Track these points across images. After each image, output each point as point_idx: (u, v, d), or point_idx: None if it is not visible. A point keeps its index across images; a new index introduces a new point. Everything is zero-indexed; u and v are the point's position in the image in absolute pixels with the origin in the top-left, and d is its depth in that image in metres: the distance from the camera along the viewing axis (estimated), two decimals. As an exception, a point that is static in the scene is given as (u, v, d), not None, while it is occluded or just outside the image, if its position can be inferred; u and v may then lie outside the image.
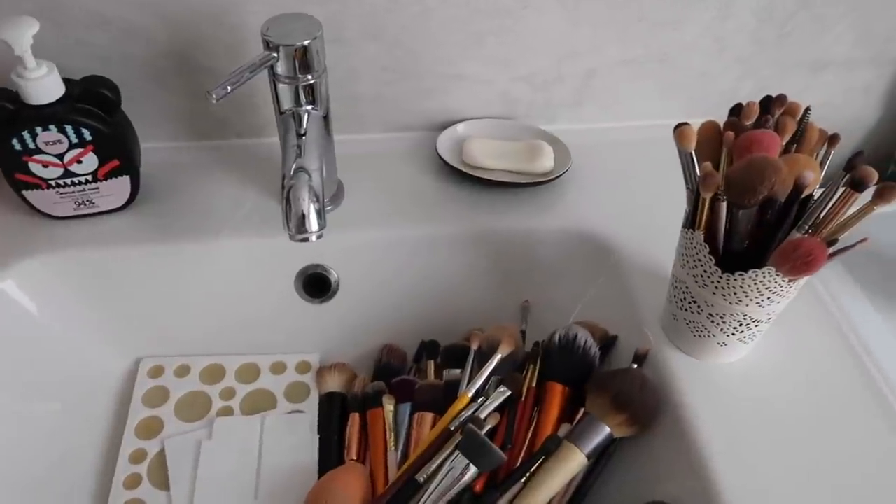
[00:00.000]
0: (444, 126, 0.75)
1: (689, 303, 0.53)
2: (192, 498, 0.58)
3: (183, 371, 0.67)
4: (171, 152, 0.73)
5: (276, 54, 0.56)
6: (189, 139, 0.74)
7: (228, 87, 0.53)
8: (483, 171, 0.71)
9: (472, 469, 0.53)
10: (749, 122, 0.49)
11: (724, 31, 0.72)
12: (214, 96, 0.52)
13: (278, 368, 0.68)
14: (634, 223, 0.67)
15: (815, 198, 0.49)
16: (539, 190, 0.71)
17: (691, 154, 0.49)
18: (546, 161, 0.71)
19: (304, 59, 0.57)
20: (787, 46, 0.74)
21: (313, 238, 0.54)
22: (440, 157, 0.71)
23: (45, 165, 0.61)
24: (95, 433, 0.63)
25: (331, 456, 0.62)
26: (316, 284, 0.69)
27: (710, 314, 0.52)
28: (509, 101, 0.76)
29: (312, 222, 0.54)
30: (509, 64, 0.72)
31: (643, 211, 0.68)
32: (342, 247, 0.68)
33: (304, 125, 0.59)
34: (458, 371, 0.63)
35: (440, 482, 0.53)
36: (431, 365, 0.67)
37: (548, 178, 0.70)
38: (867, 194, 0.46)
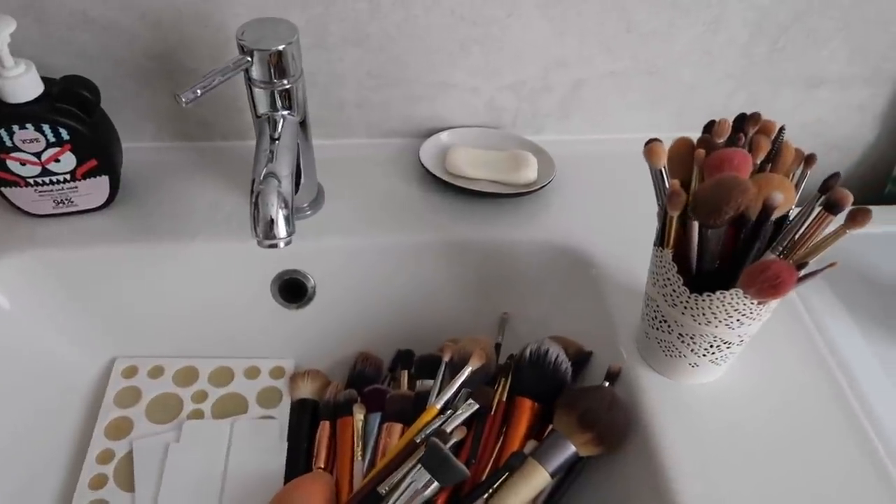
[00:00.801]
0: (430, 134, 0.75)
1: (661, 322, 0.52)
2: (156, 500, 0.58)
3: (157, 372, 0.67)
4: (154, 153, 0.73)
5: (249, 59, 0.56)
6: (172, 140, 0.74)
7: (198, 91, 0.52)
8: (465, 180, 0.70)
9: (434, 483, 0.52)
10: (721, 140, 0.48)
11: (715, 45, 0.71)
12: (183, 100, 0.52)
13: (252, 373, 0.68)
14: (616, 238, 0.66)
15: (791, 219, 0.48)
16: (521, 201, 0.70)
17: (661, 171, 0.48)
18: (529, 172, 0.70)
19: (278, 64, 0.57)
20: (780, 62, 0.73)
21: (281, 244, 0.54)
22: (423, 164, 0.71)
23: (23, 163, 0.62)
24: (65, 432, 0.63)
25: (298, 463, 0.61)
26: (292, 290, 0.69)
27: (680, 334, 0.51)
28: (495, 110, 0.75)
29: (280, 228, 0.53)
30: (495, 73, 0.71)
31: (626, 226, 0.66)
32: (320, 252, 0.67)
33: (279, 130, 0.58)
34: (430, 382, 0.62)
35: (401, 495, 0.52)
36: (405, 375, 0.66)
37: (530, 190, 0.69)
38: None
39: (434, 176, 0.70)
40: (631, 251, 0.63)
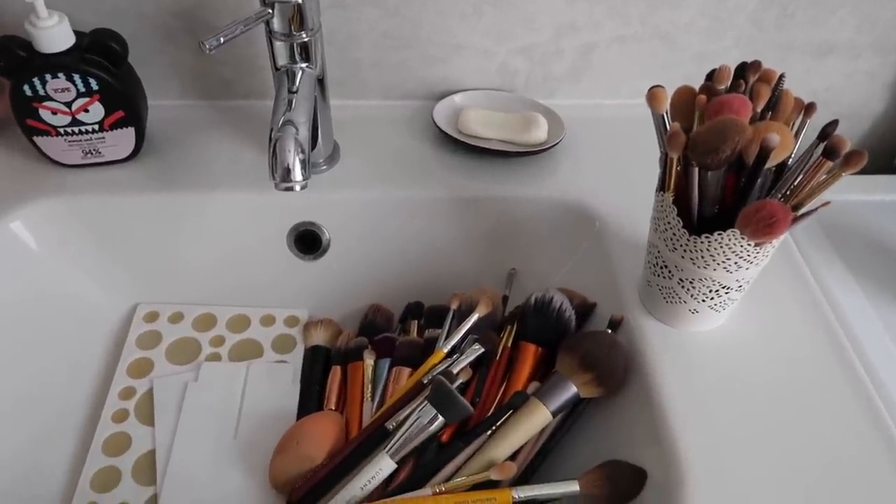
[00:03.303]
0: (443, 96, 0.77)
1: (661, 268, 0.54)
2: (174, 434, 0.60)
3: (177, 318, 0.70)
4: (179, 110, 0.76)
5: (270, 10, 0.58)
6: (196, 98, 0.77)
7: (221, 39, 0.55)
8: (477, 139, 0.72)
9: (440, 419, 0.54)
10: (722, 87, 0.49)
11: (724, 11, 0.72)
12: (207, 46, 0.54)
13: (268, 321, 0.70)
14: (621, 195, 0.68)
15: (790, 165, 0.50)
16: (531, 160, 0.72)
17: (663, 116, 0.50)
18: (539, 132, 0.72)
19: (298, 17, 0.59)
20: (789, 29, 0.74)
21: (297, 188, 0.56)
22: (436, 124, 0.73)
23: (54, 113, 0.64)
24: (89, 370, 0.66)
25: (310, 404, 0.64)
26: (308, 242, 0.71)
27: (680, 279, 0.53)
28: (508, 74, 0.77)
29: (297, 173, 0.56)
30: (507, 36, 0.73)
31: (631, 184, 0.68)
32: (335, 206, 0.70)
33: (297, 82, 0.61)
34: (439, 330, 0.65)
35: (407, 430, 0.54)
36: (415, 325, 0.68)
37: (540, 149, 0.71)
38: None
39: (446, 135, 0.72)
40: (635, 209, 0.65)
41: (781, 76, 0.50)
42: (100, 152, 0.68)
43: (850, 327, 0.61)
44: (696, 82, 0.78)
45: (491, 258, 0.72)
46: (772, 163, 0.47)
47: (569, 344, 0.56)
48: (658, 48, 0.75)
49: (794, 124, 0.51)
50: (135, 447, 0.60)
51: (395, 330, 0.71)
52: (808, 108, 0.50)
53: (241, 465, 0.59)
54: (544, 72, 0.77)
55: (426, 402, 0.55)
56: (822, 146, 0.47)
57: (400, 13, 0.71)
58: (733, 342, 0.56)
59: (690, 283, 0.52)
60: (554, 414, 0.54)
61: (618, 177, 0.70)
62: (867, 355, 0.59)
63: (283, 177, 0.56)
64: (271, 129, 0.57)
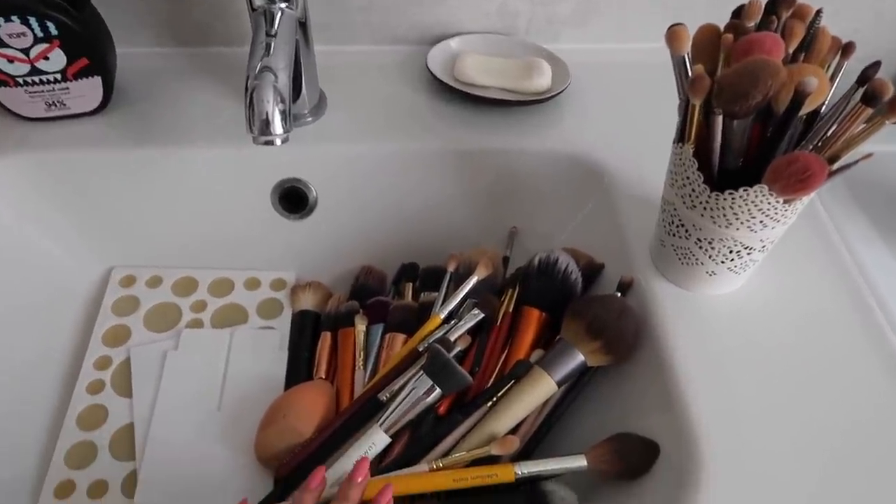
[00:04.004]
0: (438, 40, 0.71)
1: (677, 227, 0.49)
2: (153, 406, 0.57)
3: (155, 282, 0.65)
4: (151, 58, 0.70)
5: (244, -59, 0.52)
6: (170, 45, 0.71)
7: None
8: (475, 88, 0.67)
9: (437, 390, 0.50)
10: (751, 24, 0.44)
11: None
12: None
13: (252, 284, 0.66)
14: (631, 148, 0.63)
15: (823, 113, 0.45)
16: (533, 110, 0.67)
17: (684, 58, 0.44)
18: (542, 79, 0.67)
19: (276, -51, 0.53)
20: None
21: (277, 142, 0.52)
22: (430, 71, 0.67)
23: (11, 61, 0.59)
24: (61, 339, 0.62)
25: (299, 373, 0.60)
26: (294, 200, 0.66)
27: (698, 239, 0.48)
28: (508, 16, 0.71)
29: (277, 125, 0.51)
30: (508, -28, 0.67)
31: (641, 136, 0.63)
32: (321, 160, 0.65)
33: (276, 24, 0.55)
34: (435, 294, 0.60)
35: (402, 402, 0.51)
36: (409, 287, 0.64)
37: (543, 98, 0.66)
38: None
39: (442, 83, 0.66)
40: (647, 162, 0.60)
41: (818, 12, 0.45)
42: (65, 104, 0.63)
43: (876, 287, 0.57)
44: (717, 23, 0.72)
45: (490, 216, 0.67)
46: (805, 110, 0.42)
47: (575, 308, 0.52)
48: (671, -13, 0.69)
49: (829, 66, 0.46)
50: (112, 421, 0.56)
51: (388, 293, 0.66)
52: (847, 49, 0.45)
53: (226, 438, 0.55)
54: (547, 13, 0.71)
55: (422, 371, 0.51)
56: (861, 91, 0.42)
57: (390, -52, 0.65)
58: (752, 305, 0.52)
59: (709, 243, 0.48)
60: (559, 384, 0.50)
61: (627, 128, 0.65)
62: (894, 316, 0.55)
63: (262, 129, 0.51)
64: (247, 77, 0.52)
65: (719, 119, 0.43)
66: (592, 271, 0.59)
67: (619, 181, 0.61)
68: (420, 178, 0.66)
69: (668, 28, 0.44)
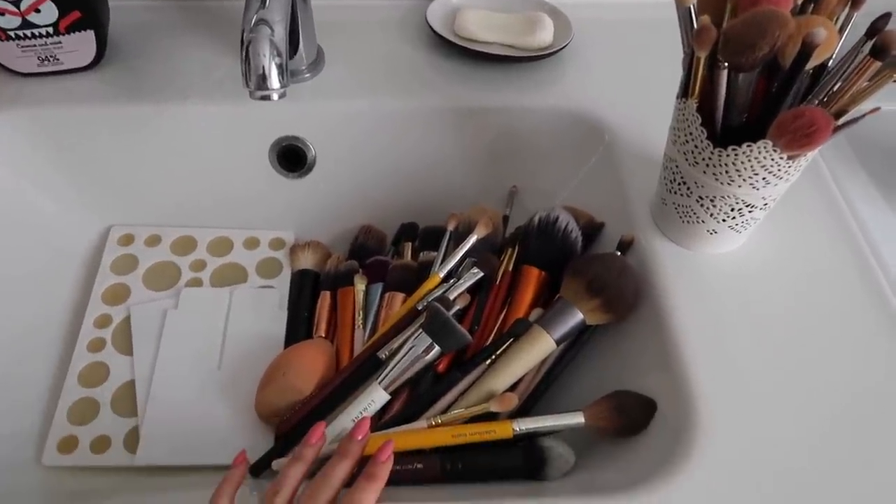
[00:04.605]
0: (438, -6, 0.69)
1: (679, 184, 0.49)
2: (153, 364, 0.57)
3: (153, 241, 0.65)
4: (145, 12, 0.69)
5: None
6: (163, -2, 0.70)
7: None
8: (476, 43, 0.66)
9: (436, 348, 0.50)
10: (760, -27, 0.42)
11: None
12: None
13: (251, 243, 0.66)
14: (634, 105, 0.62)
15: (830, 68, 0.44)
16: (535, 66, 0.65)
17: (690, 10, 0.43)
18: (545, 34, 0.65)
19: None
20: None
21: (274, 96, 0.51)
22: (430, 26, 0.66)
23: (2, 13, 0.57)
24: (62, 298, 0.61)
25: (298, 332, 0.60)
26: (292, 158, 0.65)
27: (700, 197, 0.48)
28: (510, -31, 0.69)
29: (273, 79, 0.50)
30: (510, -78, 0.65)
31: (645, 93, 0.62)
32: (319, 118, 0.64)
33: (272, -26, 0.54)
34: (434, 253, 0.60)
35: (401, 360, 0.51)
36: (409, 247, 0.64)
37: (545, 53, 0.64)
38: None
39: (442, 38, 0.65)
40: (649, 120, 0.59)
41: (829, -39, 0.43)
42: (58, 59, 0.62)
43: (876, 246, 0.57)
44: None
45: (491, 174, 0.67)
46: (812, 64, 0.41)
47: (575, 267, 0.52)
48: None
49: (837, 19, 0.44)
50: (113, 378, 0.56)
51: (387, 253, 0.66)
52: (856, 1, 0.43)
53: (226, 396, 0.55)
54: (551, -35, 0.69)
55: (421, 330, 0.51)
56: (870, 44, 0.41)
57: None
58: (753, 264, 0.52)
59: (711, 200, 0.47)
60: (558, 342, 0.50)
61: (630, 85, 0.64)
62: (894, 275, 0.55)
63: (258, 84, 0.50)
64: (243, 30, 0.51)
65: (724, 73, 0.42)
66: (593, 230, 0.58)
67: (622, 138, 0.60)
68: (420, 136, 0.65)
69: (674, -21, 0.43)
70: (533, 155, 0.65)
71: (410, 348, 0.51)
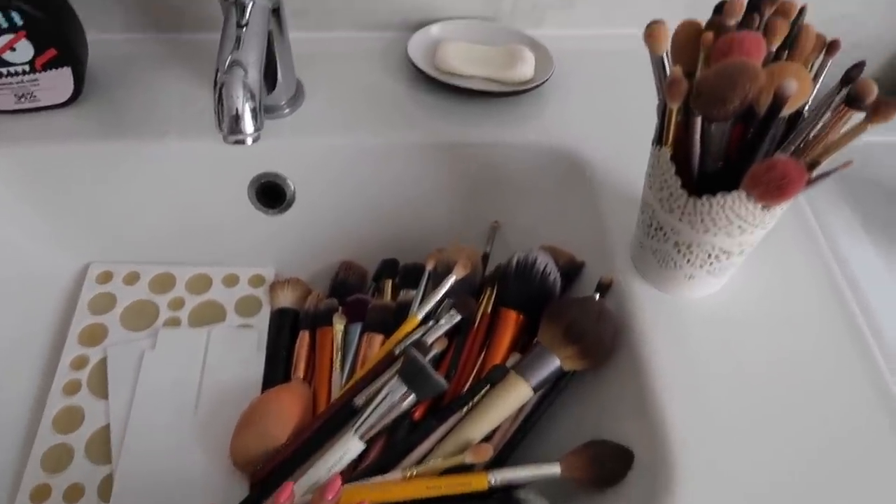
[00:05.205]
0: (419, 26, 0.69)
1: (656, 230, 0.48)
2: (129, 408, 0.56)
3: (132, 278, 0.64)
4: (123, 45, 0.68)
5: (209, -69, 0.50)
6: (143, 31, 0.69)
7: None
8: (456, 77, 0.65)
9: (412, 396, 0.50)
10: (732, 22, 0.42)
11: (737, -76, 0.63)
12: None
13: (231, 281, 0.65)
14: (616, 142, 0.61)
15: (805, 115, 0.43)
16: (516, 100, 0.65)
17: (663, 58, 0.43)
18: (526, 68, 0.65)
19: (243, -62, 0.51)
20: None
21: (249, 141, 0.50)
22: (411, 61, 0.65)
23: (-24, 53, 0.57)
24: (38, 338, 0.61)
25: (277, 373, 0.59)
26: (271, 194, 0.65)
27: (676, 243, 0.47)
28: (491, 0, 0.68)
29: (247, 123, 0.49)
30: (491, -45, 0.65)
31: (628, 129, 0.61)
32: (299, 153, 0.63)
33: (247, 15, 0.53)
34: (413, 292, 0.59)
35: (377, 407, 0.50)
36: (389, 284, 0.63)
37: (526, 88, 0.64)
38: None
39: (423, 72, 0.64)
40: (631, 156, 0.58)
41: (802, 9, 0.43)
42: (35, 96, 0.61)
43: (858, 287, 0.56)
44: (705, 9, 0.70)
45: (472, 209, 0.66)
46: (787, 111, 0.41)
47: (553, 312, 0.51)
48: (661, -31, 0.66)
49: (812, 65, 0.44)
50: (88, 422, 0.56)
51: (368, 289, 0.66)
52: (831, 47, 0.43)
53: (202, 441, 0.55)
54: (532, -3, 0.68)
55: (397, 377, 0.50)
56: (844, 92, 0.40)
57: (367, -70, 0.62)
58: (732, 309, 0.51)
59: (688, 247, 0.47)
60: (535, 389, 0.49)
61: (613, 120, 0.63)
62: (875, 316, 0.54)
63: (232, 128, 0.49)
64: (216, 71, 0.50)
65: (698, 121, 0.42)
66: (572, 270, 0.58)
67: (603, 175, 0.60)
68: (400, 171, 0.64)
69: (647, 27, 0.42)
70: (514, 190, 0.64)
71: (386, 395, 0.50)
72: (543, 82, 0.64)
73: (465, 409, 0.50)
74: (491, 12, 0.69)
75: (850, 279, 0.55)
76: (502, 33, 0.69)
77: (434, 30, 0.68)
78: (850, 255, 0.58)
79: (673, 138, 0.44)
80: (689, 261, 0.48)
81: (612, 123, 0.63)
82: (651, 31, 0.42)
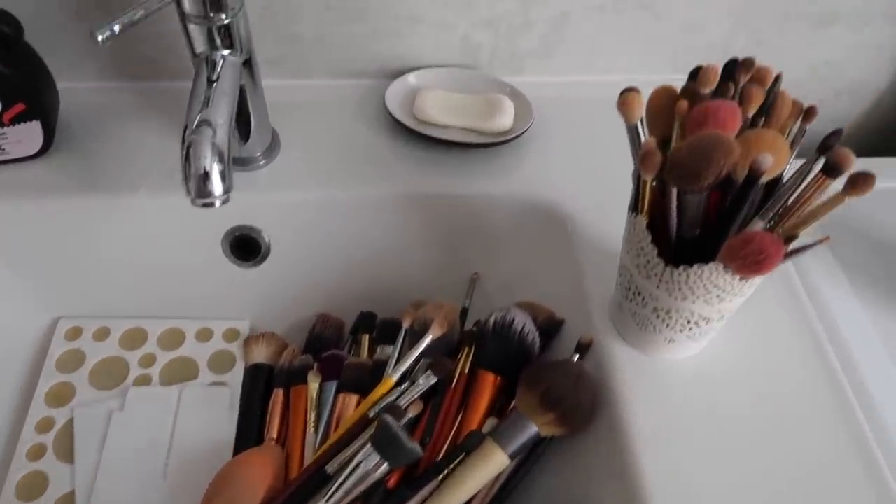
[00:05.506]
0: (398, 74, 0.68)
1: (635, 294, 0.47)
2: (95, 473, 0.54)
3: (102, 334, 0.63)
4: (96, 94, 0.67)
5: (177, -10, 0.49)
6: (116, 80, 0.68)
7: (116, 28, 0.46)
8: (434, 128, 0.64)
9: (385, 464, 0.48)
10: (707, 91, 0.41)
11: (716, -24, 0.63)
12: (99, 38, 0.46)
13: (204, 335, 0.64)
14: (597, 194, 0.60)
15: (784, 181, 0.43)
16: (495, 151, 0.64)
17: (637, 126, 0.42)
18: (505, 119, 0.64)
19: (213, -4, 0.50)
20: (789, -6, 0.65)
21: (217, 203, 0.49)
22: (389, 112, 0.64)
23: (-58, 108, 0.56)
24: (3, 399, 0.59)
25: (250, 434, 0.58)
26: (245, 247, 0.64)
27: (655, 308, 0.46)
28: (470, 48, 0.68)
29: (216, 185, 0.48)
30: (469, 5, 0.64)
31: (609, 180, 0.60)
32: (274, 206, 0.62)
33: (217, 72, 0.52)
34: (390, 348, 0.58)
35: (349, 475, 0.48)
36: (366, 339, 0.62)
37: (505, 139, 0.63)
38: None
39: (400, 123, 0.64)
40: (613, 209, 0.57)
41: (778, 77, 0.42)
42: (3, 149, 0.60)
43: (843, 342, 0.55)
44: (683, 58, 0.70)
45: (451, 261, 0.65)
46: (764, 179, 0.40)
47: (529, 376, 0.50)
48: (641, 18, 0.66)
49: (789, 131, 0.43)
50: (52, 489, 0.54)
51: (345, 342, 0.64)
52: (808, 114, 0.42)
53: (170, 508, 0.53)
54: (511, 46, 0.68)
55: (370, 444, 0.49)
56: (822, 160, 0.40)
57: (343, -19, 0.62)
58: (713, 369, 0.50)
59: (666, 313, 0.46)
60: (512, 457, 0.48)
61: (594, 170, 0.63)
62: (859, 374, 0.53)
63: (199, 190, 0.48)
64: (184, 130, 0.49)
65: (674, 191, 0.41)
66: (552, 327, 0.56)
67: (583, 228, 0.59)
68: (378, 223, 0.63)
69: (620, 95, 0.41)
70: (493, 243, 0.63)
71: (359, 463, 0.49)
72: (522, 133, 0.63)
73: (440, 478, 0.48)
74: (470, 61, 0.69)
75: (832, 333, 0.54)
76: (481, 81, 0.68)
77: (412, 78, 0.68)
78: (833, 308, 0.57)
79: (649, 206, 0.43)
80: (668, 325, 0.47)
81: (593, 174, 0.62)
82: (624, 100, 0.41)
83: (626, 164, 0.50)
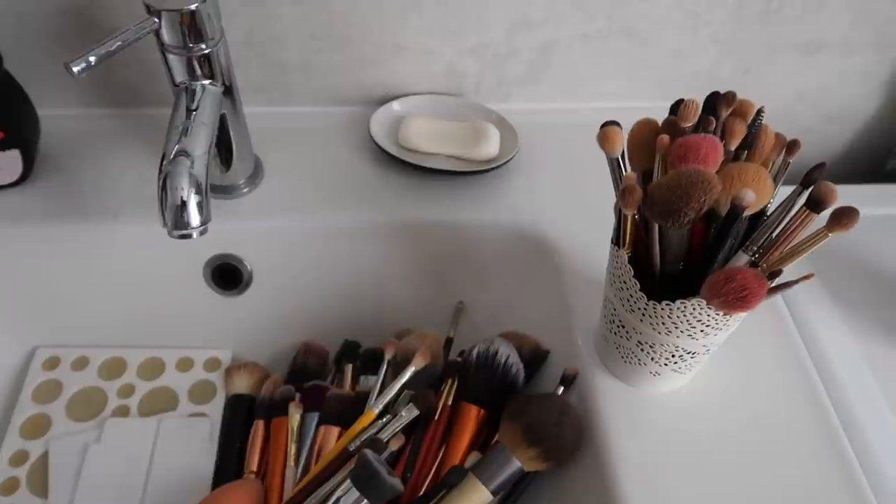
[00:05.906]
0: (383, 101, 0.68)
1: (619, 327, 0.46)
2: (70, 508, 0.53)
3: (81, 364, 0.62)
4: (77, 121, 0.67)
5: (156, 20, 0.48)
6: (98, 106, 0.68)
7: (92, 59, 0.46)
8: (419, 155, 0.64)
9: (365, 501, 0.47)
10: (688, 125, 0.41)
11: (701, 5, 0.63)
12: (75, 70, 0.45)
13: (185, 365, 0.63)
14: (584, 222, 0.60)
15: (769, 213, 0.42)
16: (480, 179, 0.63)
17: (618, 160, 0.41)
18: (490, 147, 0.63)
19: (192, 26, 0.50)
20: (775, 24, 0.65)
21: (194, 234, 0.48)
22: (373, 140, 0.64)
23: (-80, 136, 0.55)
24: (-23, 430, 0.58)
25: (229, 466, 0.56)
26: (227, 275, 0.63)
27: (639, 341, 0.45)
28: (455, 76, 0.68)
29: (192, 216, 0.47)
30: (454, 33, 0.64)
31: (595, 208, 0.59)
32: (257, 235, 0.61)
33: (197, 101, 0.52)
34: (373, 379, 0.57)
35: (328, 512, 0.47)
36: (350, 369, 0.61)
37: (491, 167, 0.62)
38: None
39: (385, 151, 0.63)
40: (599, 237, 0.56)
41: (760, 110, 0.42)
42: (-18, 177, 0.59)
43: (832, 373, 0.54)
44: (670, 85, 0.69)
45: (436, 289, 0.64)
46: (748, 212, 0.40)
47: (513, 411, 0.49)
48: (627, 47, 0.66)
49: (772, 164, 0.43)
50: (24, 525, 0.53)
51: (328, 371, 0.63)
52: (791, 147, 0.42)
53: (145, 546, 0.52)
54: (497, 74, 0.67)
55: (349, 480, 0.48)
56: (805, 194, 0.39)
57: (327, 9, 0.61)
58: (699, 402, 0.49)
59: (651, 346, 0.45)
60: (494, 492, 0.47)
61: (580, 198, 0.62)
62: (849, 406, 0.52)
63: (176, 222, 0.47)
64: (161, 160, 0.49)
65: (656, 226, 0.40)
66: (537, 357, 0.56)
67: (570, 257, 0.58)
68: (362, 252, 0.62)
69: (600, 128, 0.41)
70: (479, 271, 0.62)
71: (339, 499, 0.48)
72: (508, 160, 0.63)
73: (421, 515, 0.47)
74: (455, 88, 0.68)
75: (821, 363, 0.53)
76: (466, 108, 0.68)
77: (397, 105, 0.67)
78: (822, 337, 0.57)
79: (630, 239, 0.42)
80: (653, 359, 0.46)
81: (579, 202, 0.62)
82: (605, 134, 0.40)
83: (612, 193, 0.49)
